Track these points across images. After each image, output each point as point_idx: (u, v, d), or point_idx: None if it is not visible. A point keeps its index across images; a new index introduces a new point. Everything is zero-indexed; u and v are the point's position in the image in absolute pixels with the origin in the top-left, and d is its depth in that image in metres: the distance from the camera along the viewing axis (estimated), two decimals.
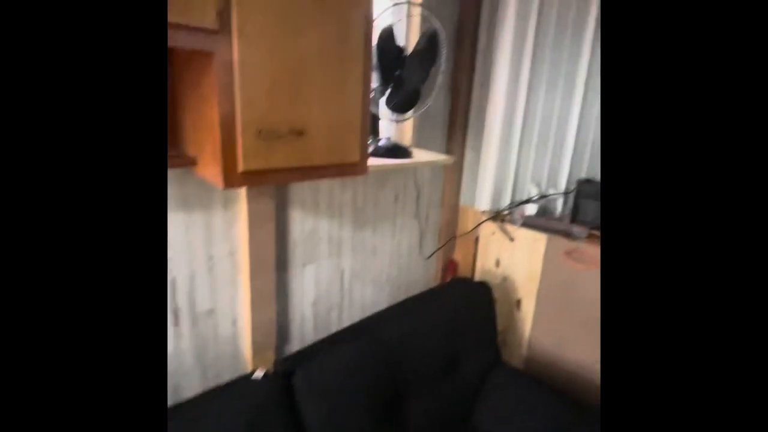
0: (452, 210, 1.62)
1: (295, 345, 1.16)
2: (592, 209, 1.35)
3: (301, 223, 1.10)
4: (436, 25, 1.02)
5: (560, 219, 1.45)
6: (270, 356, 1.03)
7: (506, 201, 1.52)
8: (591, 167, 1.45)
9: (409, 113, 1.14)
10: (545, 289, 1.37)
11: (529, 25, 1.35)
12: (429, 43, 1.03)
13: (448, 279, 1.65)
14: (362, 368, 0.88)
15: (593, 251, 1.23)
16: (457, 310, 1.17)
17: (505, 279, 1.48)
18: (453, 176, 1.59)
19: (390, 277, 1.46)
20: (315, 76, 0.70)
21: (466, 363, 1.13)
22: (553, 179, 1.49)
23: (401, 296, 1.50)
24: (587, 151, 1.43)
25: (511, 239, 1.43)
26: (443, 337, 1.11)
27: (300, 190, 1.08)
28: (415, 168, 1.39)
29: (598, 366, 1.27)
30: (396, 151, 1.13)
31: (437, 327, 1.10)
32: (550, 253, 1.33)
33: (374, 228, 1.34)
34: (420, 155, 1.19)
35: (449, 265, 1.67)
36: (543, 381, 1.42)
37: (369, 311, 1.35)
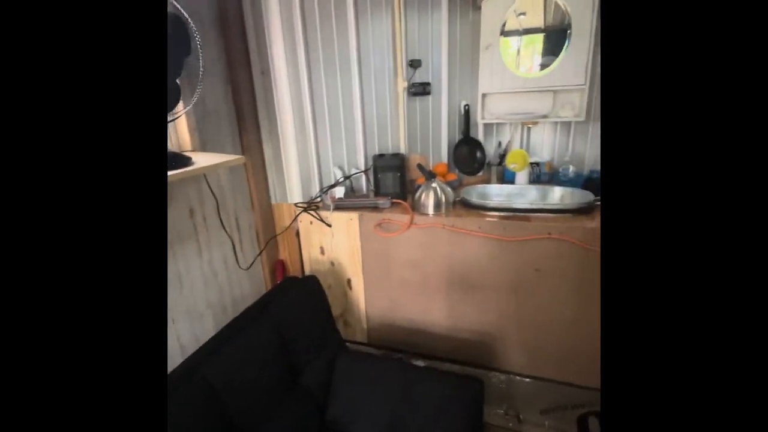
0: (265, 210, 1.53)
1: None
2: (391, 180, 1.49)
3: None
4: (176, 6, 0.87)
5: (367, 195, 1.55)
6: None
7: (316, 189, 1.52)
8: (381, 142, 1.58)
9: (174, 111, 0.97)
10: (368, 262, 1.45)
11: (294, 6, 1.32)
12: (173, 28, 0.87)
13: (279, 279, 1.57)
14: None
15: (398, 217, 1.35)
16: (289, 314, 1.11)
17: (332, 263, 1.51)
18: (258, 175, 1.48)
19: (210, 302, 1.28)
20: None
21: (309, 366, 1.10)
22: (353, 159, 1.56)
23: (230, 319, 1.34)
24: (375, 127, 1.55)
25: (329, 225, 1.44)
26: (279, 349, 1.04)
27: None
28: (205, 174, 1.22)
29: (424, 315, 1.44)
30: (169, 159, 0.95)
31: (271, 341, 1.02)
32: (364, 228, 1.41)
33: (172, 253, 1.13)
34: (203, 159, 1.04)
35: (277, 267, 1.59)
36: (385, 347, 1.54)
37: (193, 350, 1.16)
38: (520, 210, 1.29)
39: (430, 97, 1.61)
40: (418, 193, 1.38)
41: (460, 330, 1.42)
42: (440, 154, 1.69)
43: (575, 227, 1.17)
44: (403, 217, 1.35)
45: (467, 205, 1.38)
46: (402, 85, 1.51)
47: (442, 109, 1.64)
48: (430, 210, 1.35)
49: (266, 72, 1.40)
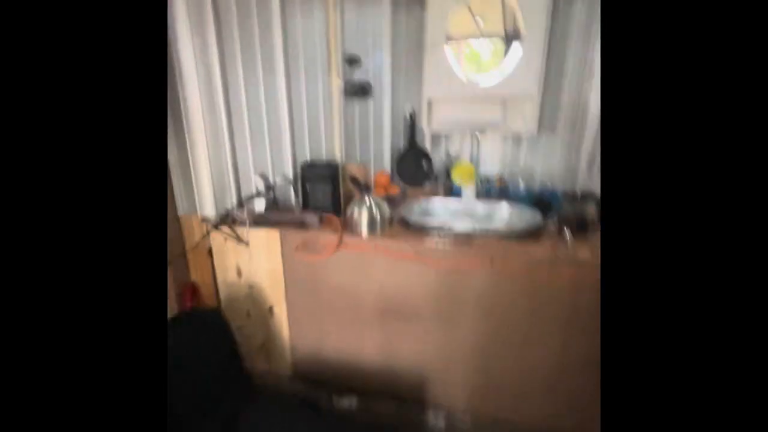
0: (171, 224, 1.29)
1: None
2: (321, 193, 1.29)
3: None
4: None
5: (293, 209, 1.34)
6: None
7: (232, 199, 1.30)
8: (314, 149, 1.39)
9: None
10: (292, 288, 1.25)
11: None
12: None
13: (189, 306, 1.33)
14: None
15: (327, 237, 1.17)
16: (181, 368, 0.89)
17: (251, 287, 1.29)
18: None
19: None
20: None
21: (198, 429, 0.88)
22: (278, 166, 1.35)
23: None
24: (305, 132, 1.35)
25: (246, 243, 1.23)
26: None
27: None
28: None
29: (356, 347, 1.27)
30: None
31: None
32: (287, 249, 1.21)
33: None
34: None
35: (185, 291, 1.35)
36: (313, 380, 1.34)
37: None
38: (461, 233, 1.14)
39: (371, 100, 1.44)
40: (350, 210, 1.20)
41: (395, 364, 1.25)
42: (382, 163, 1.53)
43: (519, 255, 1.03)
44: (332, 237, 1.16)
45: (406, 224, 1.21)
46: (337, 82, 1.32)
47: (384, 114, 1.47)
48: (364, 230, 1.17)
49: (170, 64, 1.16)
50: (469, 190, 1.41)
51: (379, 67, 1.41)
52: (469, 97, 1.38)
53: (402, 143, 1.54)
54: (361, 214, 1.17)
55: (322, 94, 1.34)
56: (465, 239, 1.11)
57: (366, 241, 1.14)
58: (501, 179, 1.50)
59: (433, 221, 1.20)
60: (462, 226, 1.15)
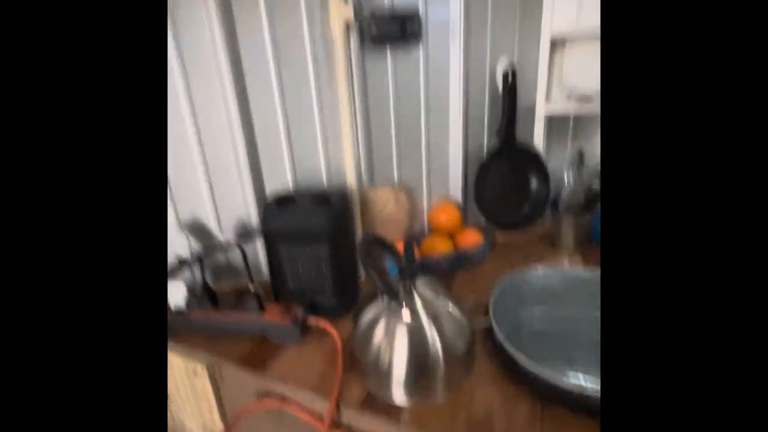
0: None
1: None
2: (311, 262, 0.59)
3: None
4: None
5: (243, 301, 0.65)
6: None
7: None
8: (304, 163, 0.67)
9: None
10: None
11: None
12: None
13: None
14: None
15: (305, 398, 0.47)
16: None
17: None
18: None
19: None
20: None
21: None
22: (229, 211, 0.66)
23: None
24: (284, 127, 0.64)
25: None
26: None
27: None
28: None
29: None
30: None
31: None
32: (230, 396, 0.53)
33: None
34: None
35: None
36: None
37: None
38: None
39: (420, 49, 0.67)
40: (360, 329, 0.47)
41: None
42: (446, 181, 0.77)
43: None
44: (314, 403, 0.45)
45: (502, 359, 0.46)
46: (342, 15, 0.58)
47: (450, 79, 0.70)
48: (396, 391, 0.44)
49: None
50: None
51: None
52: None
53: (486, 140, 0.76)
54: (388, 349, 0.44)
55: (309, 45, 0.60)
56: None
57: (401, 421, 0.42)
58: None
59: (572, 376, 0.41)
60: None
